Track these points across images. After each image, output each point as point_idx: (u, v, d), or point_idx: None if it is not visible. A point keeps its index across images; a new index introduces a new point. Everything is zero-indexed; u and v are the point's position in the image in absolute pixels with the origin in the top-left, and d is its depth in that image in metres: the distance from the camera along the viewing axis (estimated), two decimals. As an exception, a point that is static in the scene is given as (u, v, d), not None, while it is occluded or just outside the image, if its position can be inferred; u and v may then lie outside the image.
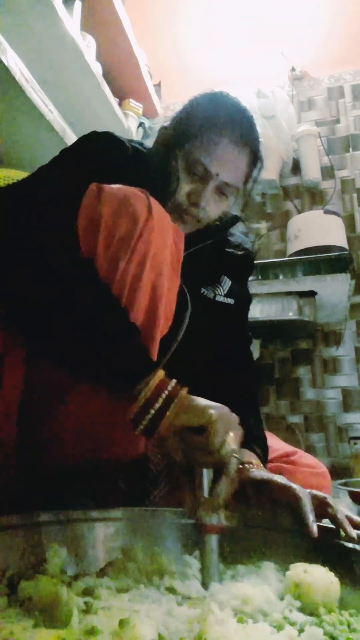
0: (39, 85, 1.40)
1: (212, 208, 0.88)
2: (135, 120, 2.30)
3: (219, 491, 0.56)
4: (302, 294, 1.81)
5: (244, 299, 1.06)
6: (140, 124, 2.34)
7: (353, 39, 2.40)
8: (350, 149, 2.41)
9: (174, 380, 0.64)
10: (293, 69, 2.51)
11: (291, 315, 1.80)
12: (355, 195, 2.35)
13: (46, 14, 1.46)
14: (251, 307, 1.61)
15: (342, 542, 0.55)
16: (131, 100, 2.31)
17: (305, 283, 1.77)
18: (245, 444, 0.79)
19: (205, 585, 0.51)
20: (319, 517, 0.60)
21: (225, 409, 0.61)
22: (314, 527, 0.57)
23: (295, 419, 2.24)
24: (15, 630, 0.36)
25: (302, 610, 0.44)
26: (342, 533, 0.56)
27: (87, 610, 0.41)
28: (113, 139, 0.89)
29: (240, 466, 0.73)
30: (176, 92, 2.59)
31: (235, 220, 0.98)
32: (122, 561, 0.55)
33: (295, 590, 0.46)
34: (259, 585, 0.47)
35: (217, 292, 0.96)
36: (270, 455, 0.90)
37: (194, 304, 0.89)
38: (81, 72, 1.73)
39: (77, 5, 1.69)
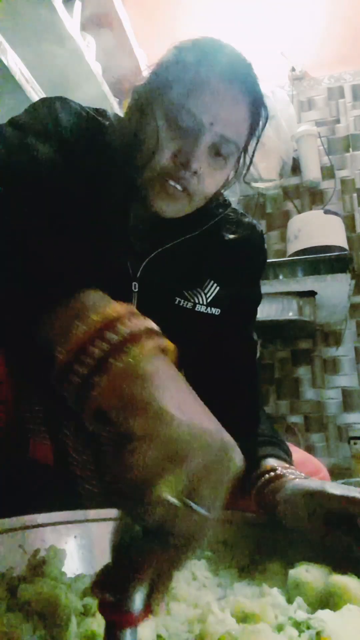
0: (39, 86, 1.40)
1: (207, 175, 0.67)
2: (135, 120, 2.30)
3: (135, 561, 0.31)
4: (302, 294, 1.81)
5: (248, 299, 0.86)
6: (140, 124, 2.34)
7: (353, 39, 2.40)
8: (350, 149, 2.41)
9: (146, 320, 0.37)
10: (293, 69, 2.51)
11: (291, 315, 1.80)
12: (355, 195, 2.35)
13: (46, 14, 1.46)
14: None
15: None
16: (131, 100, 2.30)
17: (305, 283, 1.77)
18: (265, 449, 0.70)
19: None
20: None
21: (207, 431, 0.33)
22: None
23: (295, 419, 2.24)
24: (14, 636, 0.36)
25: (308, 611, 0.44)
26: None
27: (85, 613, 0.41)
28: (64, 102, 0.71)
29: (268, 475, 0.64)
30: (176, 92, 2.59)
31: (226, 205, 0.80)
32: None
33: (296, 592, 0.46)
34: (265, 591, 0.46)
35: (197, 301, 0.75)
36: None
37: (164, 317, 0.54)
38: (81, 72, 1.73)
39: (77, 5, 1.69)
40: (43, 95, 1.41)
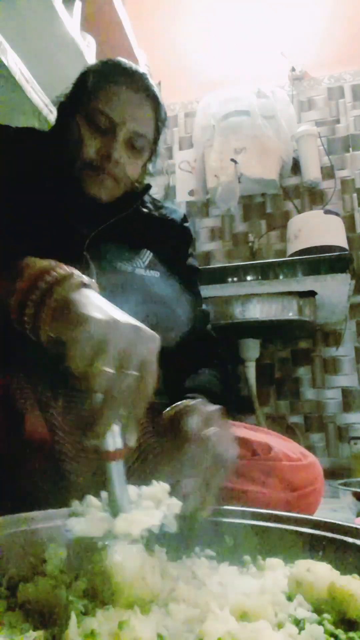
0: (39, 85, 1.40)
1: (128, 164, 0.84)
2: (135, 120, 2.30)
3: (98, 413, 0.44)
4: (302, 294, 1.81)
5: (184, 269, 0.99)
6: (140, 124, 2.34)
7: (353, 39, 2.40)
8: (350, 149, 2.41)
9: (71, 268, 0.53)
10: (293, 69, 2.51)
11: (291, 315, 1.80)
12: (355, 195, 2.36)
13: (46, 14, 1.46)
14: (251, 307, 1.58)
15: (343, 537, 0.54)
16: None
17: (305, 283, 1.77)
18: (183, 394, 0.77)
19: (113, 515, 0.46)
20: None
21: (119, 320, 0.47)
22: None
23: (295, 419, 2.24)
24: (14, 635, 0.36)
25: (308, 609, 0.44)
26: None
27: (85, 612, 0.41)
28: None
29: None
30: (176, 92, 2.60)
31: (147, 188, 0.94)
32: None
33: (296, 589, 0.46)
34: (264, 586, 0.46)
35: (136, 265, 0.89)
36: (243, 450, 0.85)
37: (110, 281, 0.81)
38: (81, 72, 1.73)
39: (77, 5, 1.69)
40: (43, 95, 1.41)
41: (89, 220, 0.85)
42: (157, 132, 0.90)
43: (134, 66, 0.87)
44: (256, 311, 1.82)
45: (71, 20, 1.59)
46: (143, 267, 0.90)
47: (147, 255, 0.92)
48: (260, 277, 1.79)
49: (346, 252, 1.85)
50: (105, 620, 0.39)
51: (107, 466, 0.46)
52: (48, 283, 0.50)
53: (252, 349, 2.07)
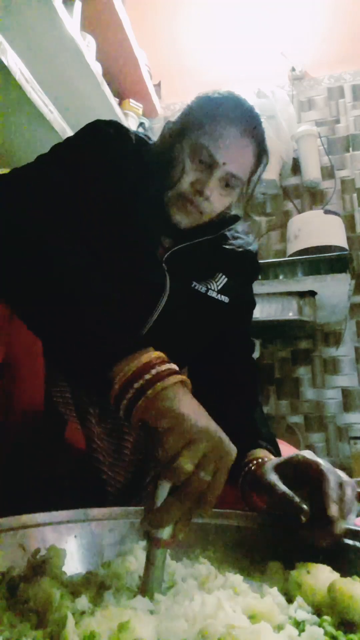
0: (39, 85, 1.40)
1: (216, 200, 0.87)
2: (135, 120, 2.31)
3: (167, 506, 0.48)
4: (302, 294, 1.81)
5: (245, 301, 1.04)
6: (140, 124, 2.34)
7: (353, 39, 2.40)
8: (350, 149, 2.41)
9: (172, 365, 0.56)
10: (293, 69, 2.51)
11: (291, 315, 1.80)
12: (355, 195, 2.35)
13: (46, 14, 1.46)
14: (251, 307, 1.55)
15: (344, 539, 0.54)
16: (131, 100, 2.31)
17: (305, 283, 1.77)
18: (252, 442, 0.79)
19: (145, 594, 0.48)
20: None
21: (209, 428, 0.51)
22: (334, 511, 0.55)
23: (295, 419, 2.24)
24: (13, 636, 0.36)
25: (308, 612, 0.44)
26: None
27: (85, 612, 0.41)
28: (117, 128, 0.90)
29: (252, 463, 0.73)
30: (176, 92, 2.60)
31: (235, 219, 0.97)
32: (121, 561, 0.54)
33: (297, 593, 0.46)
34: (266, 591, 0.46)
35: (209, 287, 0.93)
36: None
37: (182, 297, 0.88)
38: (81, 72, 1.73)
39: (77, 5, 1.69)
40: (43, 95, 1.41)
41: (173, 237, 0.90)
42: (252, 174, 0.91)
43: (249, 106, 0.88)
44: (256, 311, 1.80)
45: (71, 20, 1.59)
46: (216, 290, 0.94)
47: (222, 280, 0.95)
48: (260, 277, 1.79)
49: (346, 252, 1.85)
50: (105, 620, 0.39)
51: (154, 552, 0.49)
52: (152, 375, 0.54)
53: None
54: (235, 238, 1.02)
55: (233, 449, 0.52)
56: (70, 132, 1.54)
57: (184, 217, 0.86)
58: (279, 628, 0.40)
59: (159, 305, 0.85)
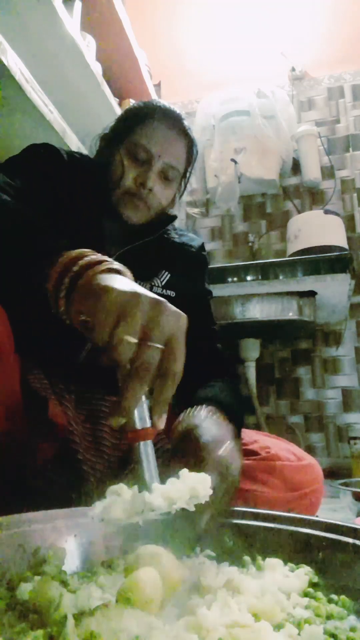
0: (39, 85, 1.40)
1: (159, 192, 0.94)
2: (135, 120, 2.30)
3: (124, 385, 0.43)
4: (302, 294, 1.81)
5: (196, 292, 1.04)
6: (140, 124, 2.34)
7: (353, 39, 2.40)
8: (350, 149, 2.41)
9: (104, 256, 0.54)
10: (293, 69, 2.51)
11: (291, 315, 1.80)
12: (355, 195, 2.36)
13: (46, 14, 1.46)
14: (251, 307, 1.60)
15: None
16: (131, 100, 2.30)
17: (305, 283, 1.77)
18: (205, 396, 0.77)
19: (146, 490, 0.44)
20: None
21: (137, 291, 0.46)
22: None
23: (295, 419, 2.24)
24: (13, 636, 0.36)
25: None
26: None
27: (85, 612, 0.41)
28: (47, 148, 0.98)
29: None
30: (176, 92, 2.60)
31: (172, 218, 1.03)
32: (121, 561, 0.54)
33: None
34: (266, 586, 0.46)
35: (153, 284, 0.96)
36: (246, 448, 0.88)
37: None
38: (81, 72, 1.73)
39: (77, 5, 1.69)
40: (43, 95, 1.41)
41: (118, 241, 0.95)
42: (188, 166, 1.01)
43: (171, 107, 0.99)
44: (256, 311, 1.82)
45: (71, 20, 1.59)
46: (160, 286, 0.98)
47: (165, 276, 0.99)
48: (260, 277, 1.79)
49: (346, 252, 1.85)
50: (105, 620, 0.39)
51: (136, 447, 0.44)
52: (80, 266, 0.51)
53: (252, 349, 2.07)
54: (180, 236, 1.09)
55: (179, 311, 0.48)
56: (70, 132, 1.54)
57: (132, 212, 0.93)
58: (278, 627, 0.40)
59: None
